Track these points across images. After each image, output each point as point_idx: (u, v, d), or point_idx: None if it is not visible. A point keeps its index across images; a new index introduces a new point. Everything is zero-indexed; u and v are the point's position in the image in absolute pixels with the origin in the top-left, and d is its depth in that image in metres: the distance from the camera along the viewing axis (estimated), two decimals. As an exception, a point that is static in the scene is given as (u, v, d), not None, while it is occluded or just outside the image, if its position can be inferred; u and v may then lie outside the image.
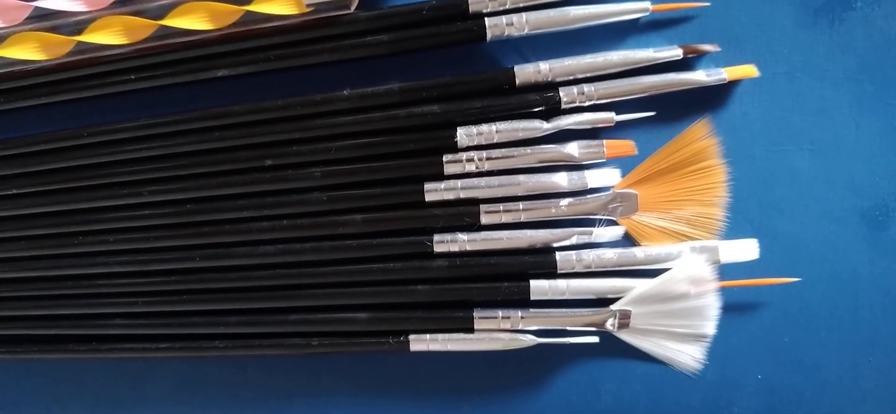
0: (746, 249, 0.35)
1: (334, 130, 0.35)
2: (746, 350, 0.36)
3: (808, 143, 0.36)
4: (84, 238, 0.37)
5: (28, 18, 0.35)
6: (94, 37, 0.35)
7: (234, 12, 0.34)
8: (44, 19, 0.35)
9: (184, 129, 0.36)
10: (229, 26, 0.34)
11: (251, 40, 0.35)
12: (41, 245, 0.38)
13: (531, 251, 0.35)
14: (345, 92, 0.35)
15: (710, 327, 0.35)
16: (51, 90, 0.37)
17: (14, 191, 0.37)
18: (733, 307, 0.36)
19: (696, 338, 0.35)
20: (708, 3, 0.35)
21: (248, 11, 0.34)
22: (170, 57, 0.35)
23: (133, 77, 0.36)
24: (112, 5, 0.35)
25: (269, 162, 0.35)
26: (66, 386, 0.40)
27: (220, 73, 0.35)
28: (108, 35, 0.35)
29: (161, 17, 0.34)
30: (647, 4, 0.35)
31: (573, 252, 0.35)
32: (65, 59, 0.36)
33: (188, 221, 0.36)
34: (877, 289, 0.36)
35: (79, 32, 0.35)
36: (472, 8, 0.34)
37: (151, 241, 0.36)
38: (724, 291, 0.35)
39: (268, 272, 0.36)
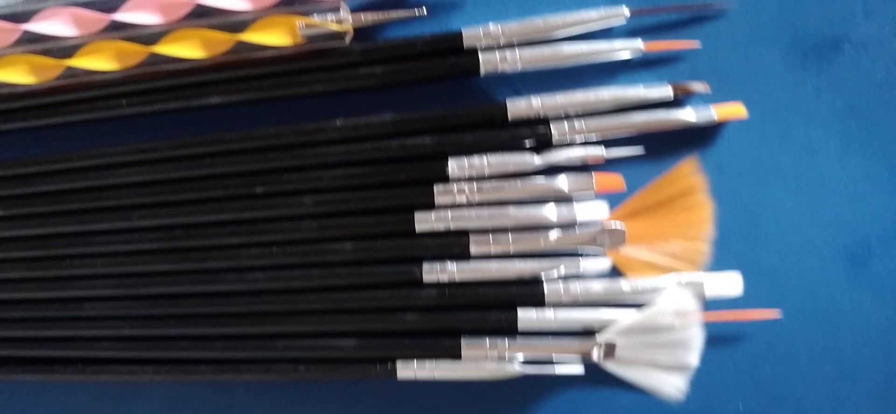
0: (731, 284, 0.36)
1: (326, 159, 0.35)
2: (729, 381, 0.37)
3: (793, 180, 0.36)
4: (72, 261, 0.37)
5: (17, 41, 0.35)
6: (84, 62, 0.34)
7: (226, 41, 0.34)
8: (34, 42, 0.35)
9: (175, 156, 0.36)
10: (222, 54, 0.34)
11: (244, 69, 0.35)
12: (29, 267, 0.37)
13: (519, 282, 0.35)
14: (337, 122, 0.35)
15: (693, 358, 0.36)
16: (40, 114, 0.37)
17: (2, 213, 0.37)
18: (717, 339, 0.37)
19: (680, 368, 0.36)
20: (698, 45, 0.36)
21: (240, 41, 0.34)
22: (162, 83, 0.35)
23: (124, 103, 0.36)
24: (104, 30, 0.35)
25: (259, 189, 0.35)
26: (52, 408, 0.40)
27: (212, 101, 0.35)
28: (100, 60, 0.34)
29: (153, 43, 0.34)
30: (639, 44, 0.35)
31: (561, 283, 0.35)
32: (55, 83, 0.35)
33: (177, 247, 0.36)
34: (857, 324, 0.36)
35: (69, 56, 0.35)
36: (467, 43, 0.35)
37: (140, 265, 0.36)
38: (708, 323, 0.35)
39: (256, 298, 0.36)
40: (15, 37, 0.35)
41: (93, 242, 0.37)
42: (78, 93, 0.36)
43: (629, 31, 0.36)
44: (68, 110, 0.36)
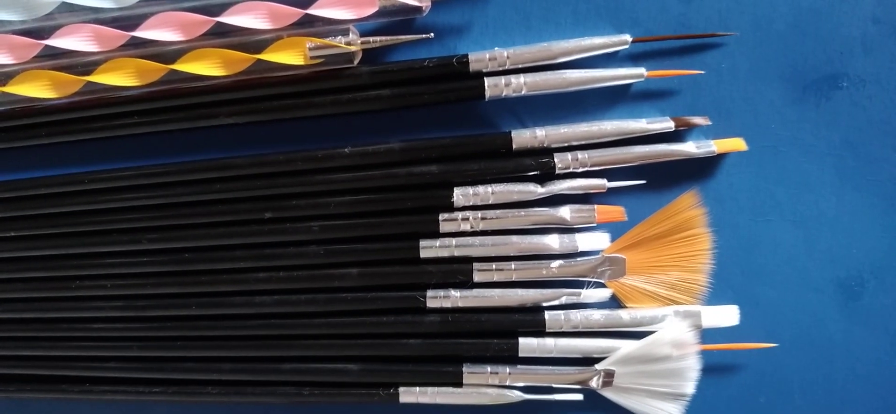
0: (727, 315, 0.36)
1: (334, 186, 0.36)
2: (724, 410, 0.38)
3: (790, 214, 0.37)
4: (82, 282, 0.37)
5: (38, 56, 0.35)
6: (105, 78, 0.35)
7: (245, 60, 0.34)
8: (53, 57, 0.35)
9: (185, 180, 0.36)
10: (235, 74, 0.35)
11: (255, 90, 0.36)
12: (39, 287, 0.38)
13: (521, 310, 0.36)
14: (346, 149, 0.36)
15: (690, 388, 0.36)
16: (52, 131, 0.37)
17: (13, 233, 0.38)
18: (713, 369, 0.37)
19: (677, 397, 0.36)
20: (702, 72, 0.36)
21: (257, 59, 0.35)
22: (174, 102, 0.36)
23: (136, 120, 0.36)
24: (124, 47, 0.35)
25: (268, 214, 0.36)
26: (59, 426, 0.41)
27: (223, 121, 0.36)
28: (119, 76, 0.35)
29: (173, 60, 0.35)
30: (643, 71, 0.36)
31: (562, 312, 0.36)
32: (70, 99, 0.36)
33: (186, 270, 0.37)
34: (850, 356, 0.37)
35: (89, 72, 0.35)
36: (473, 67, 0.35)
37: (148, 287, 0.37)
38: (704, 353, 0.36)
39: (263, 322, 0.36)
40: (35, 52, 0.35)
41: (103, 263, 0.37)
42: (90, 110, 0.36)
43: (632, 57, 0.36)
44: (80, 127, 0.37)
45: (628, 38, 0.35)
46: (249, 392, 0.37)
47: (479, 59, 0.35)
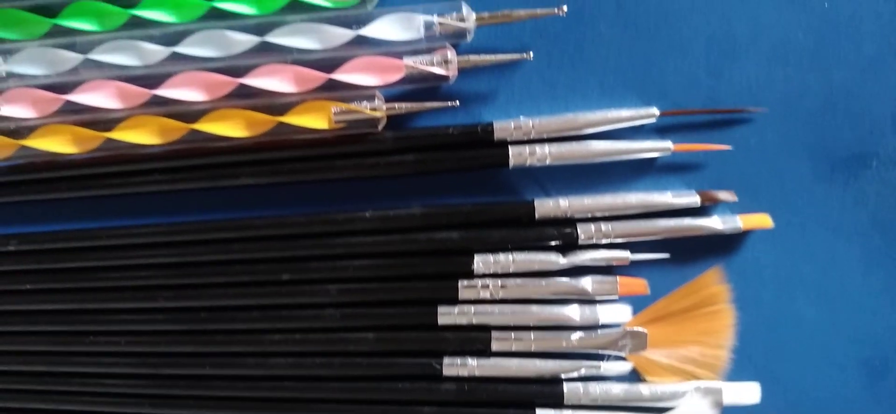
0: (749, 393, 0.36)
1: (353, 249, 0.35)
2: (744, 487, 0.37)
3: (815, 292, 0.36)
4: (96, 337, 0.37)
5: (59, 111, 0.35)
6: (126, 135, 0.35)
7: (268, 122, 0.34)
8: (75, 112, 0.35)
9: (204, 239, 0.36)
10: (258, 135, 0.35)
11: (278, 151, 0.35)
12: (53, 341, 0.38)
13: (539, 381, 0.35)
14: (367, 213, 0.35)
15: (709, 464, 0.36)
16: (72, 186, 0.37)
17: (29, 286, 0.37)
18: (732, 446, 0.37)
19: (696, 473, 0.36)
20: (729, 147, 0.36)
21: (280, 122, 0.34)
22: (195, 162, 0.36)
23: (157, 178, 0.36)
24: (145, 104, 0.35)
25: (286, 276, 0.35)
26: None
27: (244, 182, 0.35)
28: (141, 134, 0.35)
29: (195, 120, 0.34)
30: (669, 145, 0.35)
31: (580, 384, 0.35)
32: (91, 155, 0.36)
33: (201, 329, 0.36)
34: (873, 436, 0.37)
35: (110, 128, 0.35)
36: (497, 135, 0.35)
37: (163, 345, 0.36)
38: (724, 430, 0.36)
39: (277, 384, 0.36)
40: (58, 106, 0.35)
41: (118, 319, 0.37)
42: (112, 166, 0.36)
43: (659, 130, 0.36)
44: (101, 183, 0.37)
45: (656, 111, 0.35)
46: (262, 454, 0.37)
47: (503, 127, 0.35)
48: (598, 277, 0.35)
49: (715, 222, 0.35)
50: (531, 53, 0.35)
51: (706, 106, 0.36)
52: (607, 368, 0.36)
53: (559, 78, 0.36)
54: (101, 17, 0.35)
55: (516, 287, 0.35)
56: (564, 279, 0.35)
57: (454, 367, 0.35)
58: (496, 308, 0.35)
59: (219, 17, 0.34)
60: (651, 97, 0.36)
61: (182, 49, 0.34)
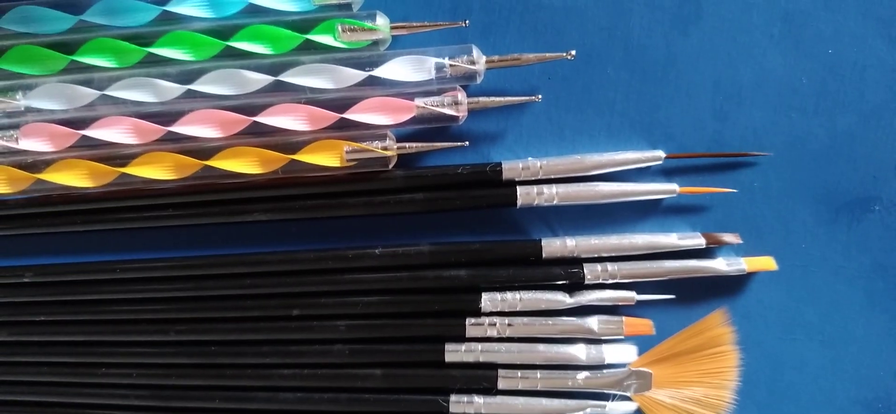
0: (752, 434, 0.36)
1: (362, 286, 0.36)
2: None
3: (818, 334, 0.37)
4: (108, 369, 0.37)
5: (74, 145, 0.36)
6: (141, 170, 0.35)
7: (280, 160, 0.35)
8: (90, 147, 0.36)
9: (215, 274, 0.36)
10: (271, 172, 0.35)
11: (289, 188, 0.36)
12: (66, 372, 0.38)
13: (545, 419, 0.36)
14: (376, 250, 0.36)
15: None
16: (87, 219, 0.37)
17: (43, 317, 0.38)
18: (735, 486, 0.37)
19: None
20: (735, 191, 0.36)
21: (293, 159, 0.35)
22: (208, 197, 0.36)
23: (170, 213, 0.36)
24: (160, 140, 0.35)
25: (296, 312, 0.36)
26: None
27: (256, 218, 0.36)
28: (155, 170, 0.35)
29: (209, 156, 0.35)
30: (675, 187, 0.36)
31: (585, 423, 0.36)
32: (105, 189, 0.36)
33: (211, 362, 0.37)
34: (875, 478, 0.37)
35: (125, 163, 0.36)
36: (506, 175, 0.35)
37: (174, 378, 0.37)
38: (727, 472, 0.36)
39: (286, 418, 0.36)
40: (73, 141, 0.36)
41: (130, 352, 0.37)
42: (126, 201, 0.37)
43: (664, 172, 0.37)
44: (114, 218, 0.37)
45: (661, 154, 0.36)
46: (269, 488, 0.37)
47: (512, 167, 0.35)
48: (604, 317, 0.36)
49: (719, 264, 0.36)
50: (540, 96, 0.36)
51: (711, 149, 0.36)
52: (613, 408, 0.36)
53: (567, 119, 0.37)
54: (118, 54, 0.35)
55: (523, 326, 0.36)
56: (571, 319, 0.36)
57: (461, 404, 0.36)
58: (503, 346, 0.36)
59: (234, 56, 0.35)
60: (657, 140, 0.36)
61: (198, 86, 0.35)
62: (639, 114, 0.37)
